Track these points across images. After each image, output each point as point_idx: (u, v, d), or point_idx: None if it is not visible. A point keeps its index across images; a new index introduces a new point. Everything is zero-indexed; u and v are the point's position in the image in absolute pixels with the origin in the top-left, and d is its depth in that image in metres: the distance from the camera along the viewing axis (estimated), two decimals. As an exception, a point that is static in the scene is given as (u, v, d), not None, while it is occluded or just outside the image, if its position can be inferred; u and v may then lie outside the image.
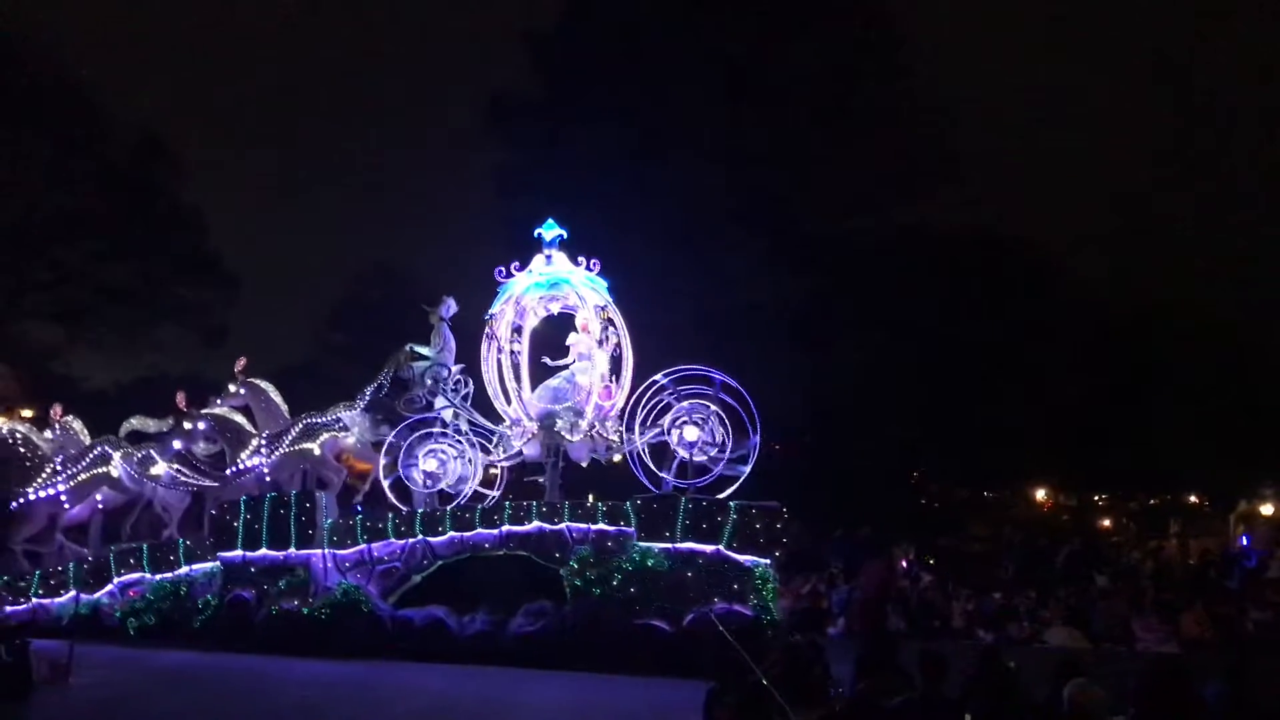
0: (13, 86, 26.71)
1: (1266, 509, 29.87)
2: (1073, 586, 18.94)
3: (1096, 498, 32.21)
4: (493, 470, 14.74)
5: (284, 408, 15.79)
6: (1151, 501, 31.11)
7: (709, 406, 13.57)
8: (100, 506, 16.13)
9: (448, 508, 13.87)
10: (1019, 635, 16.77)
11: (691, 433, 13.55)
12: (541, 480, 14.57)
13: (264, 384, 15.97)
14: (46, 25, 27.48)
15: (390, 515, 14.02)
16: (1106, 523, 31.29)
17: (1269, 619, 17.66)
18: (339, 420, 15.20)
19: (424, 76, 66.48)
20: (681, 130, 26.14)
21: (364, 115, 62.71)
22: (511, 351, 14.55)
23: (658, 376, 13.82)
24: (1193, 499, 30.03)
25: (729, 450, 13.52)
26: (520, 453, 14.36)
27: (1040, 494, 31.66)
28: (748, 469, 13.55)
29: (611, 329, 14.56)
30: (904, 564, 20.43)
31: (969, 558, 22.78)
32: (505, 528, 13.44)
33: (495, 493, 14.52)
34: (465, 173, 49.75)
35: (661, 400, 13.71)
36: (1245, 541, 28.60)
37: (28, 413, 19.64)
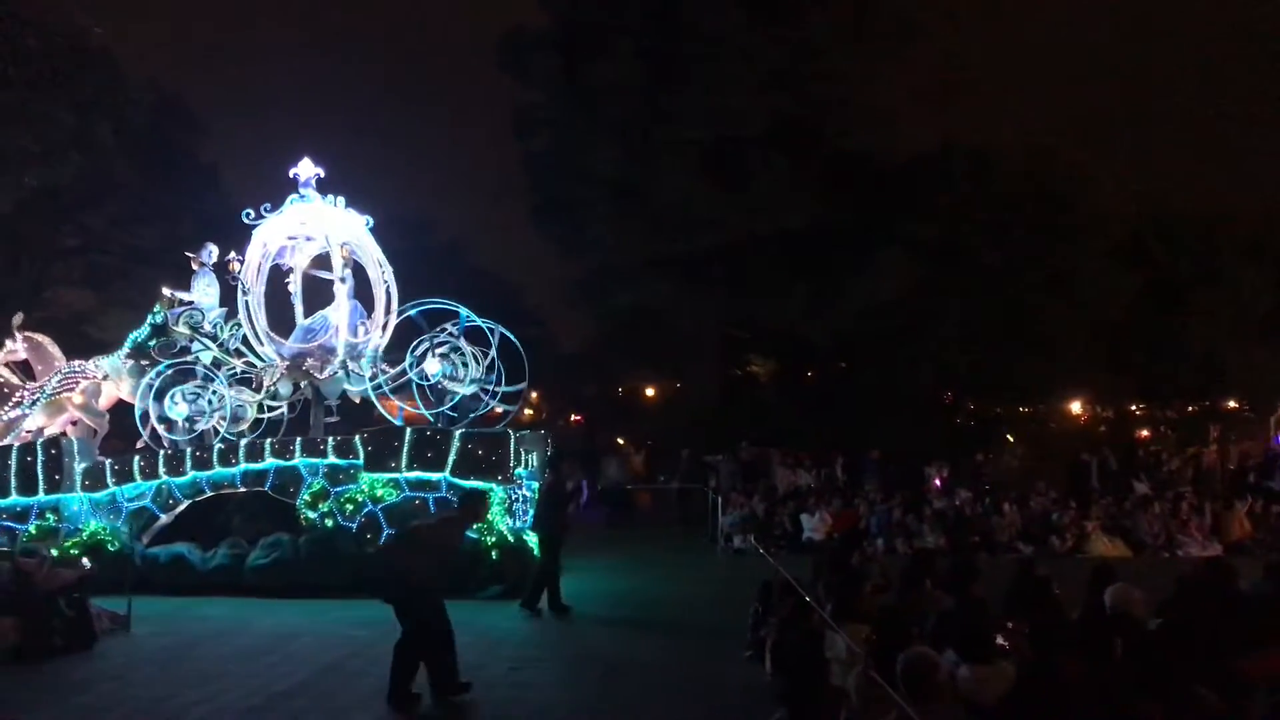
0: (29, 50, 26.57)
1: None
2: (1112, 497, 18.95)
3: (1134, 408, 31.92)
4: (275, 409, 14.97)
5: (61, 359, 15.80)
6: (1190, 409, 30.81)
7: (459, 341, 13.78)
8: None
9: (187, 449, 14.22)
10: (1061, 548, 16.86)
11: (433, 365, 13.70)
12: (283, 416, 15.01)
13: (41, 337, 15.98)
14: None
15: (135, 457, 14.39)
16: (1145, 432, 31.08)
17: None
18: (99, 369, 15.31)
19: (440, 23, 66.01)
20: (700, 56, 25.53)
21: (383, 68, 62.55)
22: (289, 292, 15.00)
23: (409, 312, 14.28)
24: (1232, 404, 29.70)
25: (494, 383, 14.07)
26: (277, 393, 14.62)
27: (1076, 407, 31.43)
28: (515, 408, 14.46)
29: (379, 267, 14.70)
30: (937, 482, 20.52)
31: (1008, 473, 22.76)
32: (242, 466, 13.90)
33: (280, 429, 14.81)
34: (485, 118, 49.65)
35: (437, 336, 13.91)
36: (1285, 441, 28.34)
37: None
